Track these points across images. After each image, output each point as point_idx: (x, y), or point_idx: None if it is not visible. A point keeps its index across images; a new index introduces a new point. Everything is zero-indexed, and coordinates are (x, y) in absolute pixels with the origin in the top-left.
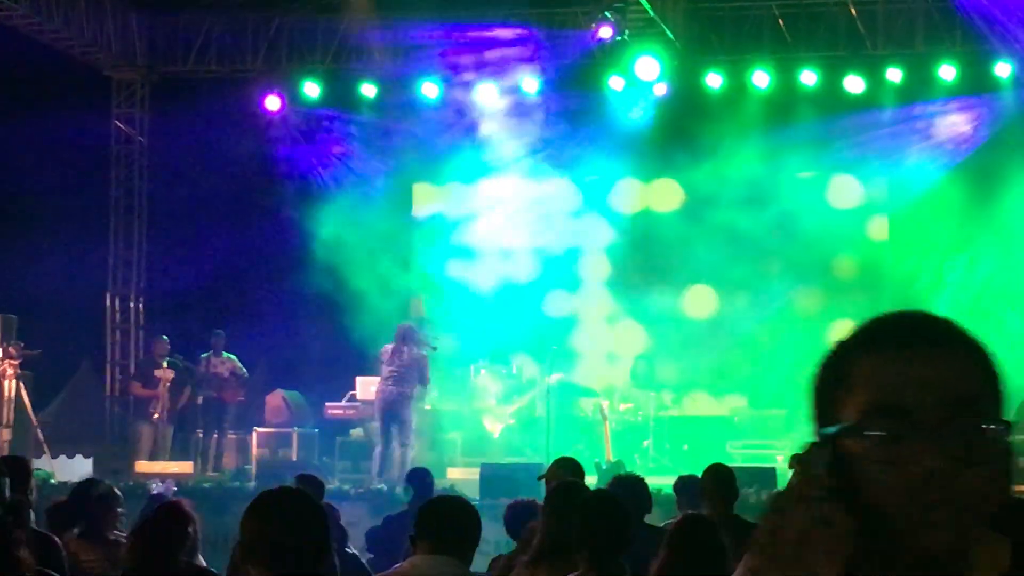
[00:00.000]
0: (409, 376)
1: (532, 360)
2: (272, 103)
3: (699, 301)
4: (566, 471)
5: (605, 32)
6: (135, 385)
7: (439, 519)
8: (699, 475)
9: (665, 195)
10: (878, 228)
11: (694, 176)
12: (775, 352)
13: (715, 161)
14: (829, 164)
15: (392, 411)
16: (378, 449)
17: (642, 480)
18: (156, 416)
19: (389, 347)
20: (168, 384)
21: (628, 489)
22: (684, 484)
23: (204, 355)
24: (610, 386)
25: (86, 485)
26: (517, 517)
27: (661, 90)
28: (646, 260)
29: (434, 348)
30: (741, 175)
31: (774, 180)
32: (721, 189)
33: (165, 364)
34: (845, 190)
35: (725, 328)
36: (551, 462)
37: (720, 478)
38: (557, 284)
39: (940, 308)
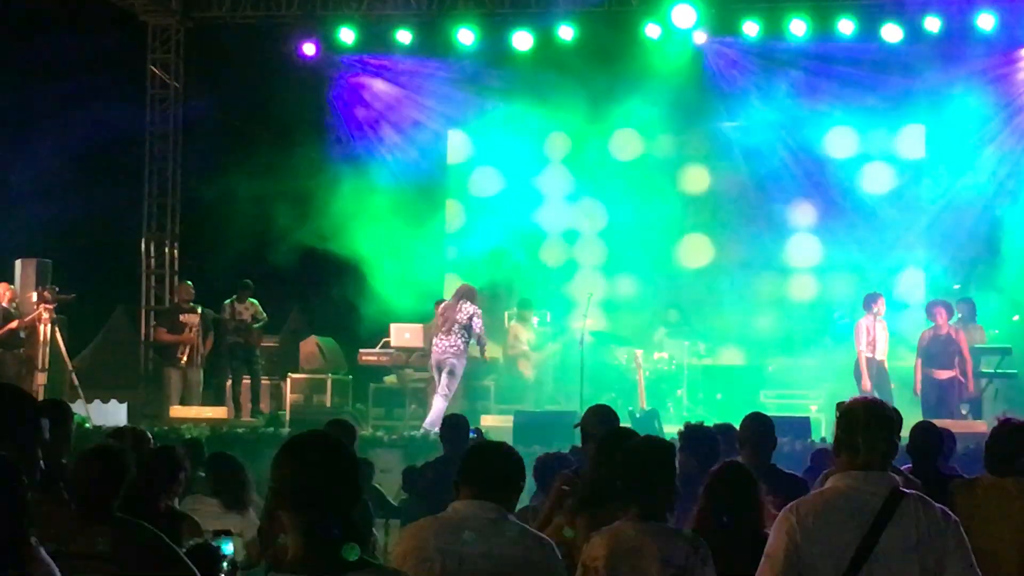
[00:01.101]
0: (458, 331)
1: (564, 307)
2: (307, 49)
3: (695, 251)
4: (600, 419)
5: None
6: (161, 331)
7: (482, 465)
8: (733, 424)
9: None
10: (886, 177)
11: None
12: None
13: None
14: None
15: (440, 364)
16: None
17: (712, 431)
18: (184, 361)
19: (444, 303)
20: (195, 329)
21: (698, 438)
22: (721, 432)
23: (228, 301)
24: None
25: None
26: (548, 469)
27: (701, 38)
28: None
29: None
30: (771, 122)
31: (805, 129)
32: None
33: (199, 310)
34: (847, 140)
35: (721, 278)
36: (585, 410)
37: (758, 427)
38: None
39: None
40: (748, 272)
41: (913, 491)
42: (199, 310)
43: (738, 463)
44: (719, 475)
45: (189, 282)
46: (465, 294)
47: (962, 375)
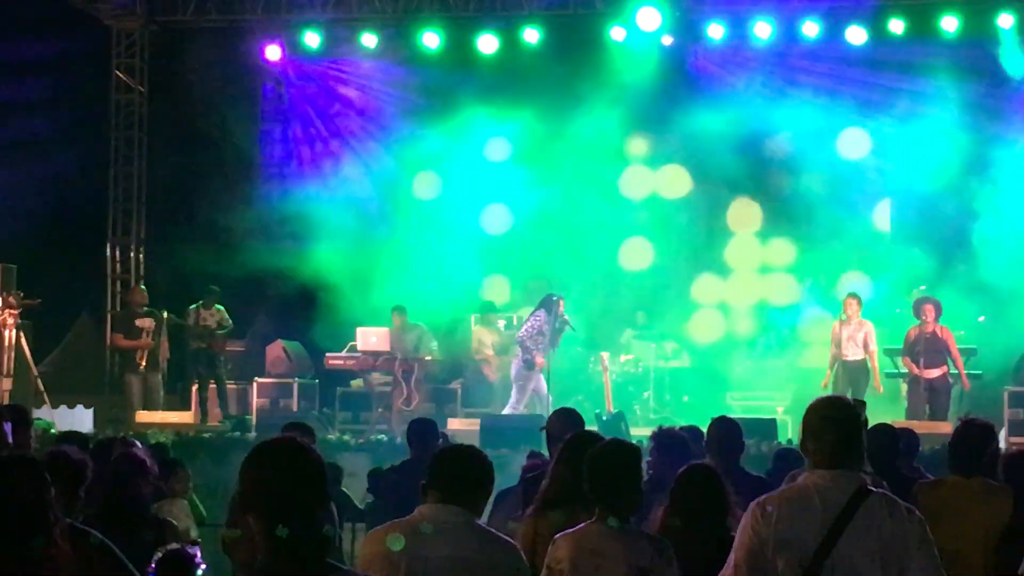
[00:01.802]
0: (527, 343)
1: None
2: (272, 53)
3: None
4: (565, 423)
5: None
6: (117, 337)
7: (450, 469)
8: (699, 426)
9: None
10: (836, 177)
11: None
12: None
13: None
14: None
15: (514, 376)
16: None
17: (683, 437)
18: (143, 365)
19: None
20: (150, 332)
21: (670, 441)
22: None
23: (193, 306)
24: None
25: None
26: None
27: (667, 42)
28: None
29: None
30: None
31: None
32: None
33: (164, 314)
34: (797, 140)
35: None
36: (551, 413)
37: (726, 430)
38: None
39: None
40: (692, 274)
41: (879, 490)
42: (164, 314)
43: (705, 465)
44: (685, 477)
45: (143, 286)
46: (539, 303)
47: (950, 374)
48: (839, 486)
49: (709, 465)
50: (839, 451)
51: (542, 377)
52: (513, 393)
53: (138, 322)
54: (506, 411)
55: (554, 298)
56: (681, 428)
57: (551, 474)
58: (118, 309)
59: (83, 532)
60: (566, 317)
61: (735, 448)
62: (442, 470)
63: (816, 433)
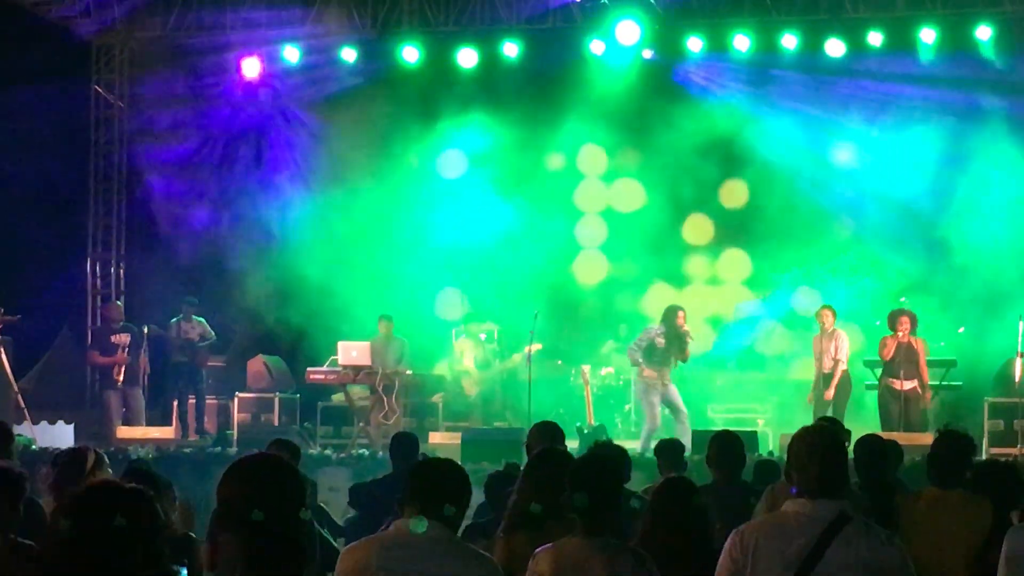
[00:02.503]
0: (659, 357)
1: (511, 324)
2: (252, 68)
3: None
4: (546, 436)
5: None
6: (93, 354)
7: (427, 482)
8: (678, 439)
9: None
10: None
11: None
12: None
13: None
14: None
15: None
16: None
17: (623, 449)
18: (120, 381)
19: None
20: (127, 348)
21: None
22: (664, 448)
23: (174, 320)
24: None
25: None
26: (498, 486)
27: (648, 54)
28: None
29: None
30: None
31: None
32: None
33: (146, 329)
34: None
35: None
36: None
37: (728, 446)
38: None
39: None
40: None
41: (858, 516)
42: (145, 329)
43: (681, 477)
44: (663, 490)
45: (119, 302)
46: (667, 316)
47: (920, 386)
48: (819, 514)
49: (684, 477)
50: (823, 480)
51: (673, 389)
52: (650, 411)
53: (114, 338)
54: (643, 434)
55: (674, 310)
56: (663, 441)
57: (518, 490)
58: (98, 324)
59: (25, 546)
60: (686, 328)
61: (738, 463)
62: (419, 484)
63: (801, 463)
